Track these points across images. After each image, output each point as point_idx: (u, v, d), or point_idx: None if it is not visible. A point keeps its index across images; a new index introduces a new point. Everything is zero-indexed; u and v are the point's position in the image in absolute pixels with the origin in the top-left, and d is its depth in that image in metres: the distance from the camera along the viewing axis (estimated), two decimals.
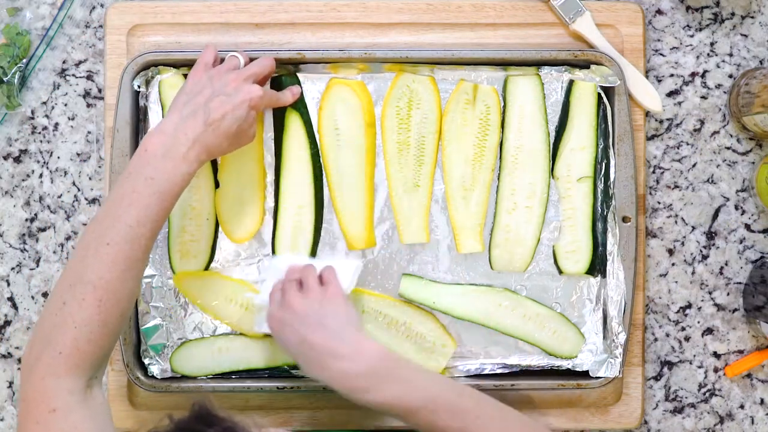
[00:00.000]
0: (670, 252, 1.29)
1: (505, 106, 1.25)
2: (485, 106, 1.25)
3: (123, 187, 1.06)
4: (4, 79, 1.26)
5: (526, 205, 1.24)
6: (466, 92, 1.25)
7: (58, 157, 1.28)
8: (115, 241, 1.03)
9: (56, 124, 1.28)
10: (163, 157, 1.06)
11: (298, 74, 1.25)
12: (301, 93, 1.24)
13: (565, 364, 1.25)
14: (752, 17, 1.29)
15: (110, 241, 1.03)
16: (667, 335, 1.29)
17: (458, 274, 1.25)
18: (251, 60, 1.19)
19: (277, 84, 1.24)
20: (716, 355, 1.29)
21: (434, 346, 1.24)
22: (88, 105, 1.29)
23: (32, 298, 1.29)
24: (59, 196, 1.28)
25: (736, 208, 1.29)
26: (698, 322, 1.29)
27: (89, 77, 1.29)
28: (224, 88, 1.12)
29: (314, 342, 1.09)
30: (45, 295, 1.28)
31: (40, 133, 1.29)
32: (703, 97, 1.29)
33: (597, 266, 1.25)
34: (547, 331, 1.24)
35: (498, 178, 1.25)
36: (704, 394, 1.29)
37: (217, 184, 1.25)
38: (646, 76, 1.27)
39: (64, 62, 1.29)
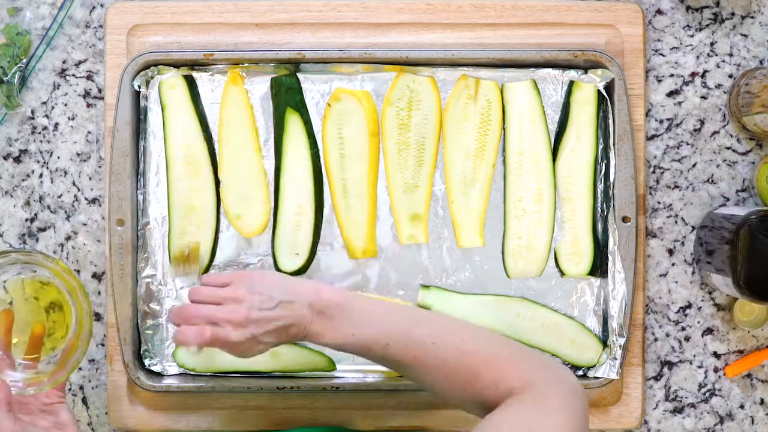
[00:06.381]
0: (670, 252, 1.29)
1: (504, 114, 1.25)
2: (487, 101, 1.25)
3: None
4: (4, 79, 1.26)
5: (535, 209, 1.24)
6: (468, 87, 1.25)
7: (58, 157, 1.28)
8: None
9: (56, 124, 1.28)
10: None
11: (298, 74, 1.25)
12: (301, 95, 1.24)
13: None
14: (752, 17, 1.29)
15: None
16: (667, 335, 1.29)
17: (457, 275, 1.26)
18: None
19: (277, 84, 1.24)
20: (716, 355, 1.29)
21: None
22: (88, 105, 1.29)
23: None
24: (59, 196, 1.28)
25: None
26: (698, 322, 1.29)
27: (89, 77, 1.29)
28: None
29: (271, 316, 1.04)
30: None
31: (40, 133, 1.29)
32: (703, 97, 1.29)
33: (599, 267, 1.25)
34: (567, 340, 1.24)
35: (504, 187, 1.25)
36: (704, 394, 1.29)
37: (217, 184, 1.25)
38: (646, 76, 1.27)
39: (64, 62, 1.28)
